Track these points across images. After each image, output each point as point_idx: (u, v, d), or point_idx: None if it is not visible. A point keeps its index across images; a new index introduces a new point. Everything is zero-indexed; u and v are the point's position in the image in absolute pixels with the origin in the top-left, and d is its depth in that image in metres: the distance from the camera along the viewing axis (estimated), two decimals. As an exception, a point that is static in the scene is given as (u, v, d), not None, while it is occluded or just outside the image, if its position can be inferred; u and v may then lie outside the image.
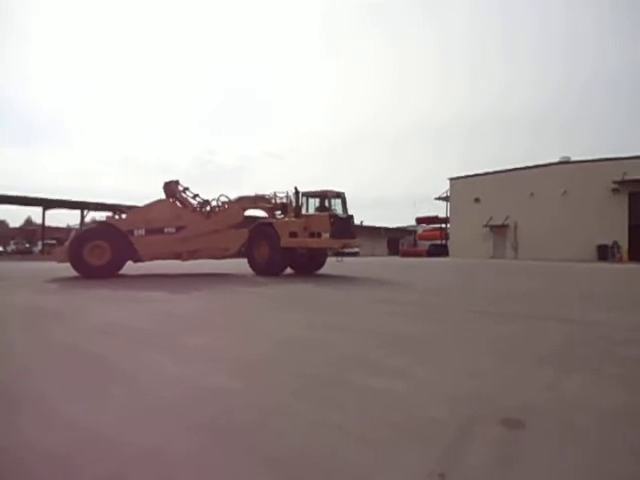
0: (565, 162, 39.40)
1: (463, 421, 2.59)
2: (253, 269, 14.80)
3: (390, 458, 2.17)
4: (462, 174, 46.37)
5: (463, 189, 45.39)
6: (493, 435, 2.42)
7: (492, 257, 41.26)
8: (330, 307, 7.46)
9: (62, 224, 52.77)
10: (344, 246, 14.24)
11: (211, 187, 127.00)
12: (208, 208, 14.86)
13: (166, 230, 14.06)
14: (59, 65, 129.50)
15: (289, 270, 15.39)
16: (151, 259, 14.70)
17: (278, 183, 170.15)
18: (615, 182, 35.57)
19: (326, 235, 13.65)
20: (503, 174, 42.70)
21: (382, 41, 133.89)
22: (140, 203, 15.24)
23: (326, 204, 14.35)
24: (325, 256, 15.99)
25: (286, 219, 14.62)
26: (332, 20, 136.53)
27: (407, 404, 2.87)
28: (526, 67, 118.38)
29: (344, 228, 14.13)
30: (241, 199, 15.05)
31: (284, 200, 15.04)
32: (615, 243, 35.53)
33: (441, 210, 51.59)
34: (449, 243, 47.88)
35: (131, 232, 13.85)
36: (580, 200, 37.28)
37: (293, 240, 14.03)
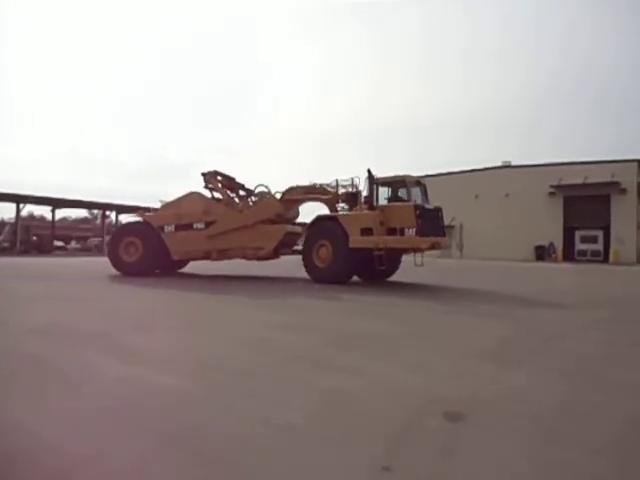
0: (507, 166, 41.49)
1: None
2: (311, 275, 11.88)
3: (337, 454, 2.23)
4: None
5: (412, 189, 46.52)
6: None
7: (439, 257, 42.69)
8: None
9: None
10: (433, 246, 11.28)
11: (166, 183, 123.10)
12: (238, 201, 13.11)
13: (195, 226, 12.47)
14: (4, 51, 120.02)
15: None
16: (182, 258, 13.21)
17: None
18: (552, 186, 37.89)
19: (411, 232, 10.84)
20: (451, 176, 44.11)
21: (361, 34, 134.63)
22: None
23: (399, 194, 11.68)
24: (399, 259, 12.90)
25: (355, 212, 11.78)
26: (309, 10, 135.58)
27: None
28: (514, 63, 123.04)
29: (433, 223, 11.49)
30: (290, 190, 12.71)
31: (349, 189, 12.25)
32: (551, 244, 37.90)
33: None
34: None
35: (162, 228, 12.69)
36: (521, 203, 39.28)
37: (367, 239, 11.11)
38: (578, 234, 36.70)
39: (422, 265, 11.96)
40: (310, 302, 8.43)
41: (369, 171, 11.47)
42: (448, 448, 2.30)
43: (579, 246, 36.62)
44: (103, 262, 15.31)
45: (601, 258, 35.06)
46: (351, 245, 11.21)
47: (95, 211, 40.68)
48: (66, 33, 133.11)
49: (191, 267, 15.22)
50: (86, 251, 41.16)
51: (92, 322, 5.75)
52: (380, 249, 11.01)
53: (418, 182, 11.94)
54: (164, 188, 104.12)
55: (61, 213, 49.25)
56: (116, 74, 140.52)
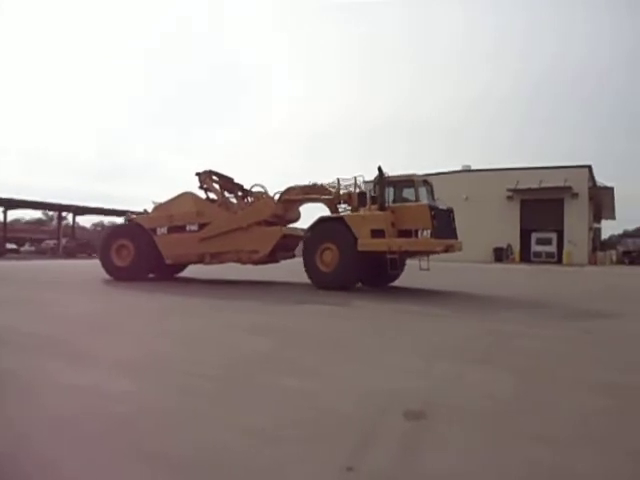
0: (467, 170, 42.92)
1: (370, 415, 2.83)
2: (313, 280, 11.24)
3: (301, 455, 2.26)
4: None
5: (376, 192, 47.19)
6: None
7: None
8: None
9: None
10: (447, 248, 10.74)
11: (129, 181, 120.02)
12: (235, 200, 12.76)
13: (188, 228, 11.97)
14: None
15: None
16: (174, 262, 12.62)
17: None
18: (509, 190, 39.52)
19: (425, 234, 10.36)
20: (413, 179, 45.21)
21: (349, 33, 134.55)
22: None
23: (404, 194, 11.16)
24: (404, 263, 12.22)
25: (363, 212, 11.15)
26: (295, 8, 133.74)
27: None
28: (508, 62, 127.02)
29: (446, 224, 11.06)
30: (289, 190, 12.21)
31: (350, 189, 11.69)
32: (509, 246, 39.50)
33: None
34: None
35: (154, 230, 12.18)
36: (480, 206, 40.53)
37: (378, 242, 10.43)
38: (534, 236, 38.40)
39: (428, 269, 11.58)
40: (321, 308, 8.19)
41: (379, 169, 10.83)
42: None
43: (535, 248, 38.32)
44: (61, 265, 14.72)
45: (555, 259, 36.86)
46: (360, 248, 10.55)
47: (50, 213, 38.71)
48: (28, 29, 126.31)
49: (189, 272, 14.65)
50: (41, 254, 39.10)
51: (50, 326, 5.79)
52: (393, 252, 10.40)
53: (425, 181, 11.44)
54: (124, 189, 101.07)
55: (13, 214, 46.52)
56: (76, 70, 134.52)
